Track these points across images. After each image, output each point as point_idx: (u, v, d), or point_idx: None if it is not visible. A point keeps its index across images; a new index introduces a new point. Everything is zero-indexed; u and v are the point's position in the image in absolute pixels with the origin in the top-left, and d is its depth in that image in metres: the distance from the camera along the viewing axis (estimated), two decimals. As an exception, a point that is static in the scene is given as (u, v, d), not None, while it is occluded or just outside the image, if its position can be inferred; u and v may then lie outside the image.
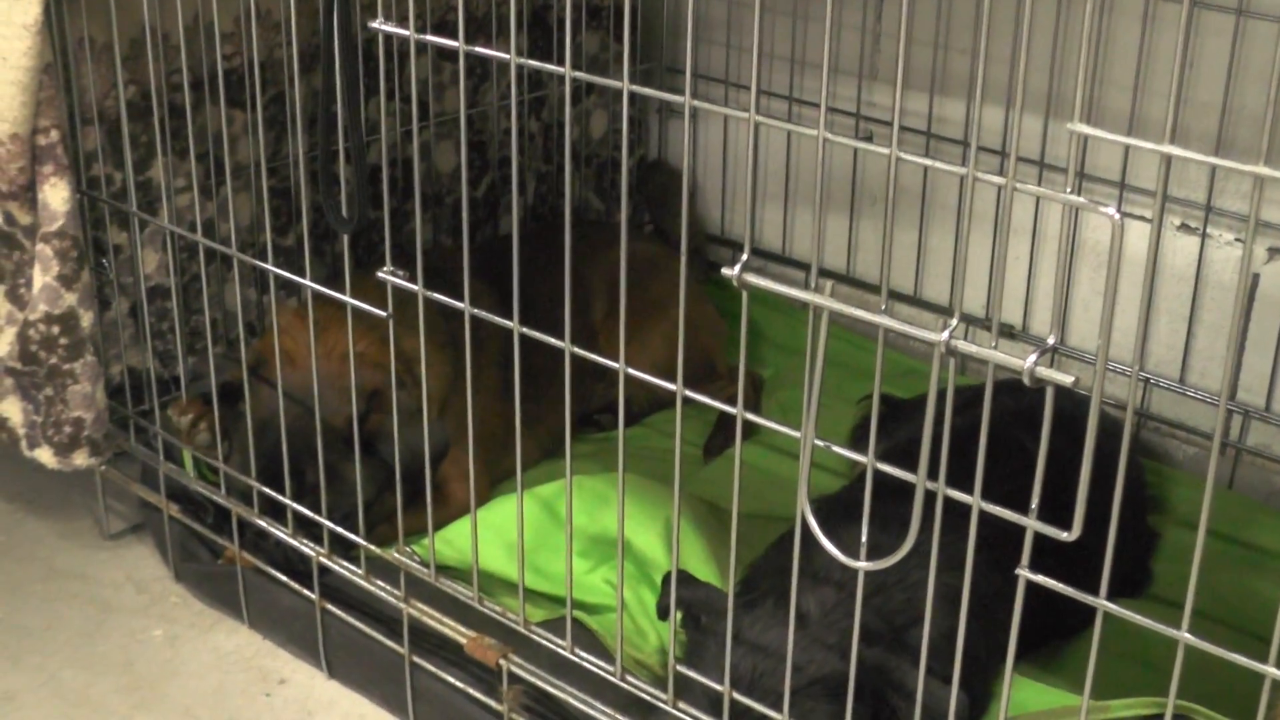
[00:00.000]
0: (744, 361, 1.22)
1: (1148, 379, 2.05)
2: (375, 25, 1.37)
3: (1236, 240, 1.95)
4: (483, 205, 2.15)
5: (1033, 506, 1.10)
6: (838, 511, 1.45)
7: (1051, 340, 1.05)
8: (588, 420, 2.02)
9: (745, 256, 1.13)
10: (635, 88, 1.18)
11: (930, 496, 1.15)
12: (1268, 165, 0.89)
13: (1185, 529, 1.86)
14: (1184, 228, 2.00)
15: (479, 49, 1.34)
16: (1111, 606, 1.12)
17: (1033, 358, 1.03)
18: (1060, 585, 1.14)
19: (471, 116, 2.11)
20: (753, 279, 1.13)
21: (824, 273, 2.10)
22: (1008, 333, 2.11)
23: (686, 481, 1.68)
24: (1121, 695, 1.46)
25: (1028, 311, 2.14)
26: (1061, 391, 1.89)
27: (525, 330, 1.33)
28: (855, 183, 2.23)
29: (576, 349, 1.32)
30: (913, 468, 1.15)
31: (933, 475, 1.16)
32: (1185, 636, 1.07)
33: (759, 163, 2.32)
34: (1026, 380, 1.05)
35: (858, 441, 1.78)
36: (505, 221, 2.21)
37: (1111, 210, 0.98)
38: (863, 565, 1.17)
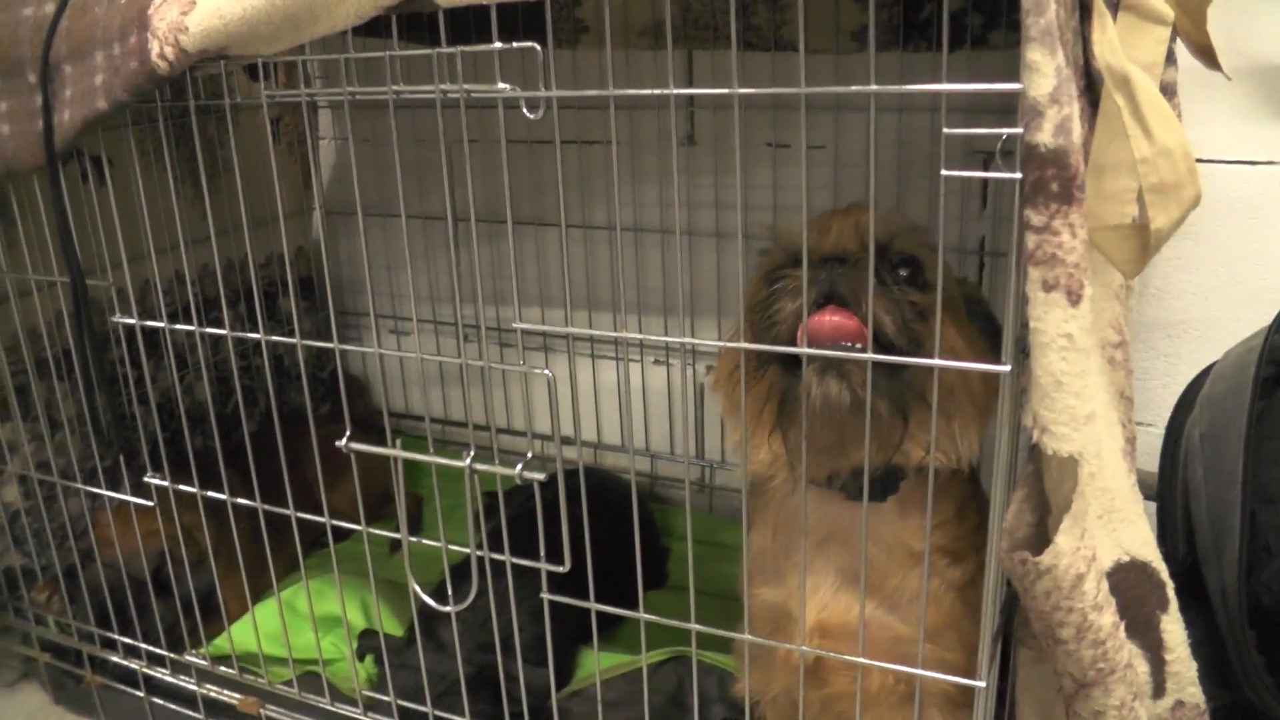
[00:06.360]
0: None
1: (652, 455, 2.12)
2: (114, 319, 1.37)
3: (686, 365, 2.02)
4: (230, 418, 2.13)
5: (541, 555, 1.10)
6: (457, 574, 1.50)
7: (529, 454, 1.05)
8: (316, 543, 2.01)
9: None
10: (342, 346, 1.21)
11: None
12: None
13: (685, 542, 1.88)
14: (657, 362, 2.07)
15: (210, 329, 1.32)
16: (647, 616, 1.09)
17: (519, 467, 1.04)
18: (569, 599, 1.12)
19: (215, 363, 2.11)
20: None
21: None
22: (567, 441, 2.09)
23: (379, 570, 1.71)
24: (652, 648, 1.51)
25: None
26: (596, 472, 1.97)
27: (265, 506, 1.33)
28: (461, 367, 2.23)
29: (301, 514, 1.32)
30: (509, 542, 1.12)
31: (496, 548, 1.21)
32: (694, 626, 1.07)
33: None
34: (518, 481, 1.04)
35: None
36: (248, 426, 2.18)
37: (544, 370, 1.02)
38: (451, 609, 1.19)
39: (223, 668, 1.55)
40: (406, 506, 2.04)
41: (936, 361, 0.85)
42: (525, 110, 0.94)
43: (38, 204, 1.41)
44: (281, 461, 1.31)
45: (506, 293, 2.11)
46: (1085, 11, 0.83)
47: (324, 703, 1.44)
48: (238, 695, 1.53)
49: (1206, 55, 0.96)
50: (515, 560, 1.12)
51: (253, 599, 1.65)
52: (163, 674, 1.60)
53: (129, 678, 1.66)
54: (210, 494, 1.39)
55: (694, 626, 1.06)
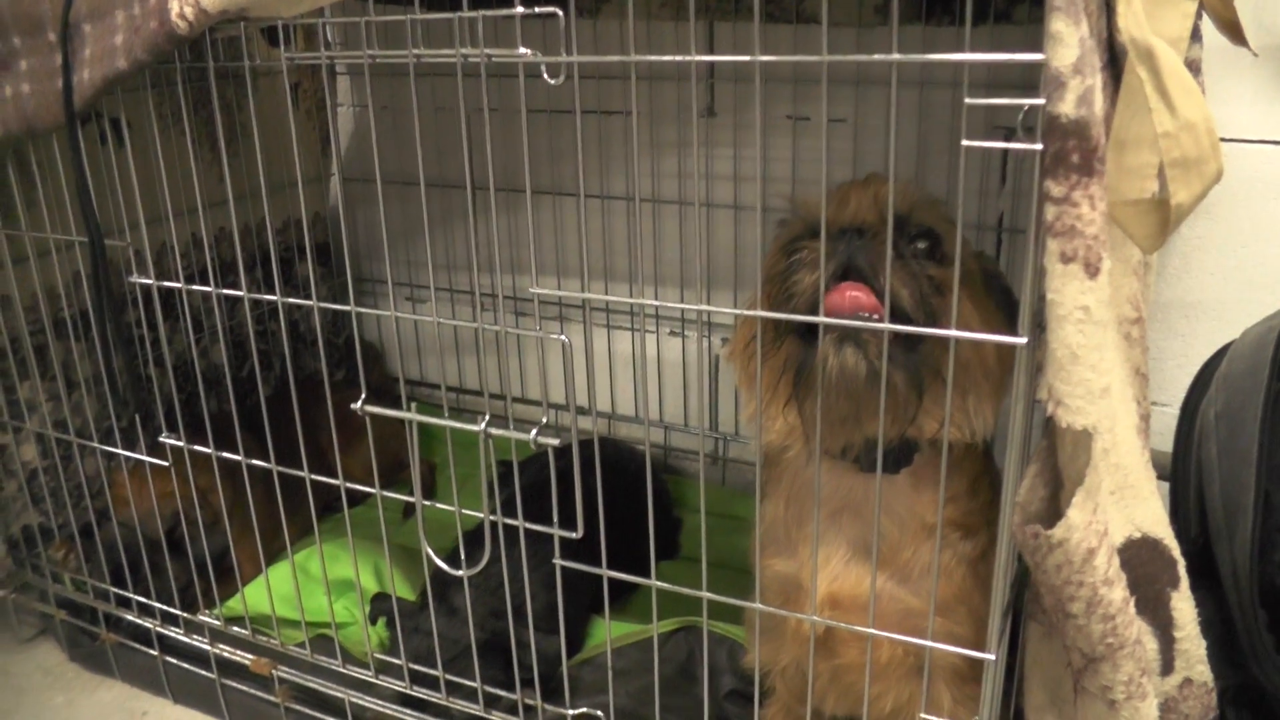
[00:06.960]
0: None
1: (667, 426, 2.12)
2: (132, 279, 1.38)
3: (702, 337, 2.04)
4: (246, 382, 2.14)
5: (554, 521, 1.10)
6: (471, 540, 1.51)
7: (544, 420, 1.06)
8: (330, 507, 2.03)
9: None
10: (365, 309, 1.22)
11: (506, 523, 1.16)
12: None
13: (698, 514, 1.91)
14: (673, 333, 2.07)
15: (227, 290, 1.30)
16: (659, 583, 1.10)
17: (534, 432, 1.04)
18: (582, 566, 1.11)
19: (231, 326, 2.12)
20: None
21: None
22: (582, 410, 2.10)
23: (392, 536, 1.72)
24: (663, 618, 1.53)
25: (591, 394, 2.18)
26: (610, 442, 1.97)
27: (279, 468, 1.34)
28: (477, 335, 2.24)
29: (315, 476, 1.32)
30: (523, 509, 1.12)
31: (510, 513, 1.22)
32: (705, 594, 1.06)
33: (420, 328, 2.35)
34: (533, 446, 1.03)
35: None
36: (264, 390, 2.17)
37: (560, 336, 1.01)
38: (464, 573, 1.20)
39: (236, 628, 1.56)
40: (420, 474, 2.04)
41: (953, 332, 0.85)
42: (546, 76, 0.94)
43: (57, 164, 1.41)
44: (297, 425, 1.32)
45: (523, 262, 2.11)
46: (1111, -16, 0.83)
47: (336, 665, 1.46)
48: (250, 656, 1.55)
49: (1233, 30, 0.96)
50: (529, 525, 1.12)
51: (266, 561, 1.66)
52: (176, 633, 1.62)
53: (143, 636, 1.68)
54: (225, 455, 1.40)
55: (705, 594, 1.06)
